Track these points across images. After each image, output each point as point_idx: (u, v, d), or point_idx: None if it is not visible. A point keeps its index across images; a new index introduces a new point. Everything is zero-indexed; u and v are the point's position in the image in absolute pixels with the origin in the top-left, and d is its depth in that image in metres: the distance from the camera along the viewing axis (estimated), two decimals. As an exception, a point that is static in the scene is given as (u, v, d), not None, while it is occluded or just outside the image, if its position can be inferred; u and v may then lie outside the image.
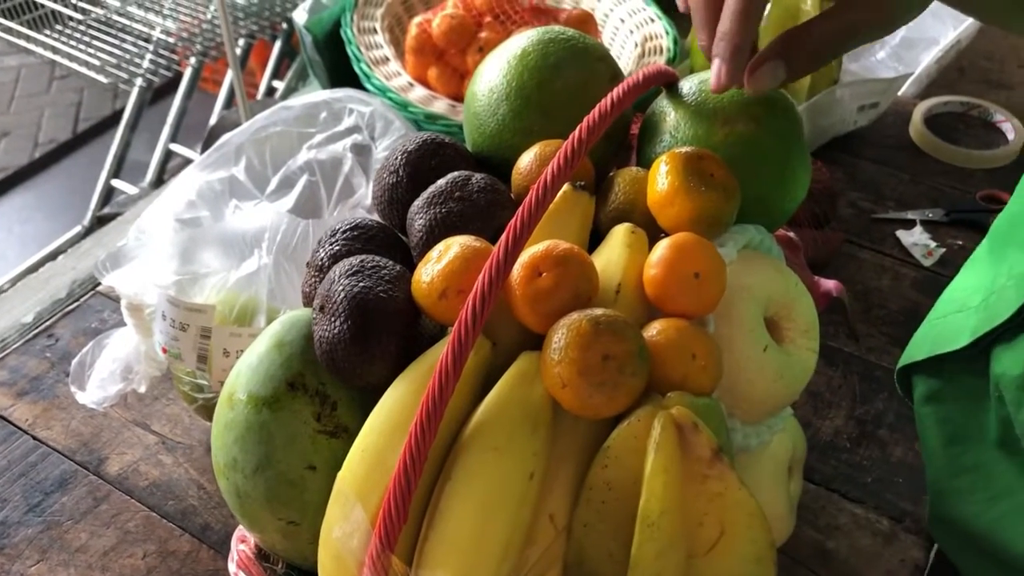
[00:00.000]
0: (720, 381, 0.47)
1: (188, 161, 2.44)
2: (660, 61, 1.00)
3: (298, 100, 0.82)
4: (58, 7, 2.00)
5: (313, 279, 0.53)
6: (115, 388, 0.75)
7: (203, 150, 2.51)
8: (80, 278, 1.00)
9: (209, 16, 2.12)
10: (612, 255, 0.49)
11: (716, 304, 0.47)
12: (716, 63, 0.48)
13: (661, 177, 0.49)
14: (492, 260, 0.44)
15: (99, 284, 0.94)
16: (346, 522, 0.45)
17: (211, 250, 0.73)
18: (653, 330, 0.46)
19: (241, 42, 2.21)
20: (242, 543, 0.56)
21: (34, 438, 0.79)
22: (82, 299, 0.93)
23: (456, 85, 1.02)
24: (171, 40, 2.06)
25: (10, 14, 2.01)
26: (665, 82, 0.56)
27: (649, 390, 0.44)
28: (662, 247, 0.47)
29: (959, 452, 0.66)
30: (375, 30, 1.08)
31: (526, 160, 0.53)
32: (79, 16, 2.02)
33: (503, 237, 0.45)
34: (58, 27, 2.06)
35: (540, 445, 0.44)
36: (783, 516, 0.56)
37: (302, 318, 0.51)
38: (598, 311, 0.44)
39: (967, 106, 1.12)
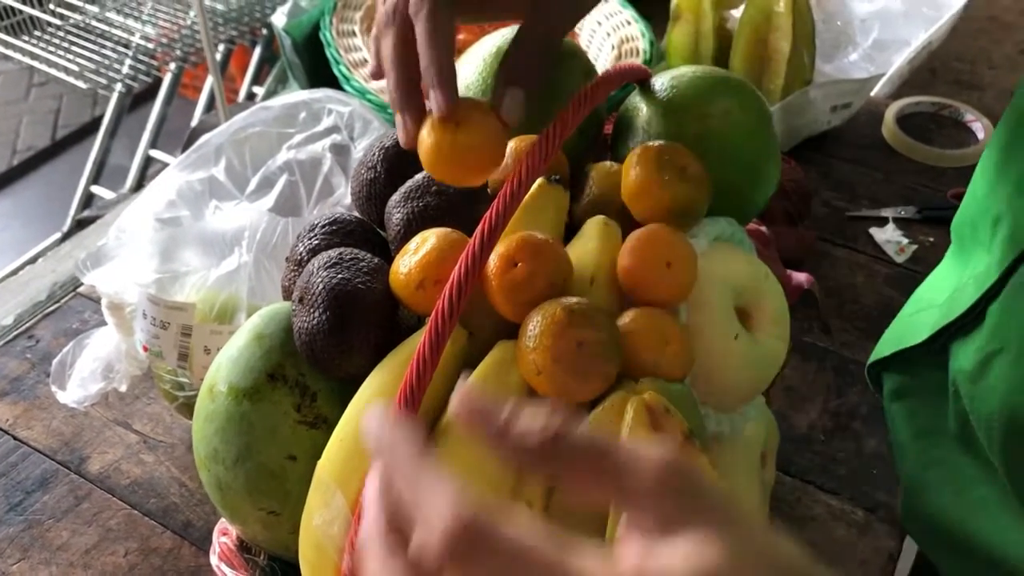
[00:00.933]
0: (692, 368, 0.48)
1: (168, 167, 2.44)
2: (637, 62, 1.02)
3: (277, 101, 0.82)
4: (36, 13, 2.00)
5: (292, 273, 0.54)
6: (96, 387, 0.76)
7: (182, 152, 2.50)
8: (60, 280, 1.00)
9: (188, 22, 2.12)
10: (586, 246, 0.50)
11: (688, 293, 0.48)
12: (397, 118, 0.49)
13: (634, 170, 0.50)
14: (468, 251, 0.45)
15: (80, 285, 0.94)
16: (326, 509, 0.46)
17: (191, 249, 0.74)
18: (626, 318, 0.47)
19: (221, 47, 2.22)
20: (224, 535, 0.56)
21: (15, 438, 0.79)
22: (62, 300, 0.93)
23: (435, 87, 1.02)
24: (151, 46, 2.06)
25: (-12, 20, 2.00)
26: (637, 79, 0.57)
27: (622, 376, 0.45)
28: (634, 238, 0.48)
29: (927, 446, 0.67)
30: (354, 32, 1.09)
31: (502, 155, 0.54)
32: (57, 22, 2.02)
33: (479, 228, 0.45)
34: (36, 33, 2.05)
35: (516, 431, 0.45)
36: (756, 504, 0.57)
37: (281, 311, 0.52)
38: (572, 299, 0.45)
39: (938, 106, 1.14)
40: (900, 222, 0.99)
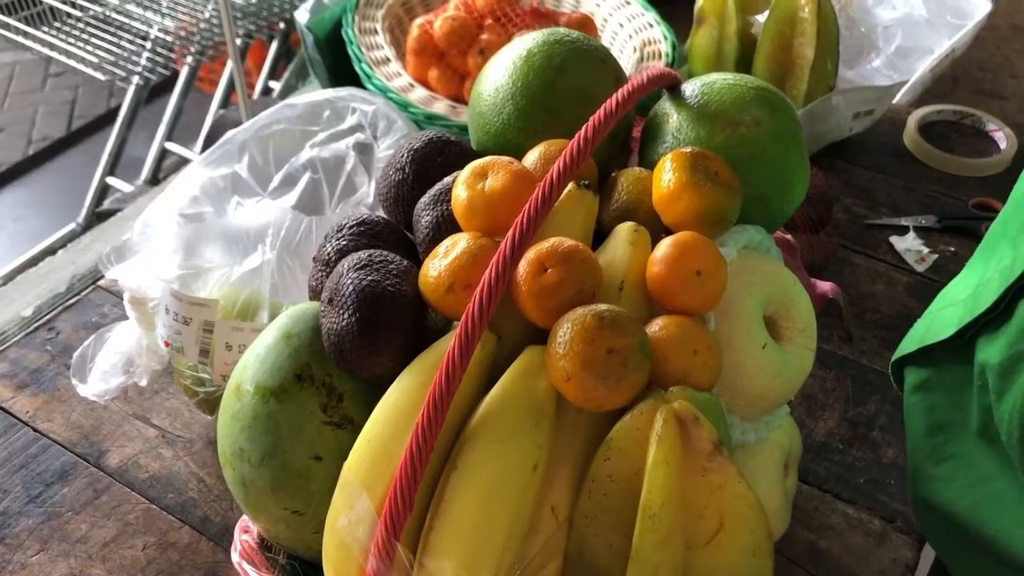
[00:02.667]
0: (720, 377, 0.48)
1: (183, 159, 2.44)
2: (666, 68, 1.02)
3: (301, 98, 0.82)
4: (56, 4, 2.01)
5: (320, 273, 0.54)
6: (116, 381, 0.76)
7: (204, 148, 2.52)
8: (80, 273, 1.00)
9: (207, 15, 2.13)
10: (616, 253, 0.50)
11: (717, 301, 0.48)
12: None
13: (667, 174, 0.50)
14: (499, 255, 0.45)
15: (100, 279, 0.94)
16: (352, 511, 0.46)
17: (214, 245, 0.74)
18: (656, 326, 0.47)
19: (239, 42, 2.22)
20: (245, 533, 0.57)
21: (34, 430, 0.80)
22: (82, 293, 0.93)
23: (456, 86, 1.03)
24: (169, 39, 2.06)
25: (8, 10, 2.01)
26: (667, 84, 0.57)
27: (651, 384, 0.45)
28: (665, 245, 0.48)
29: (943, 440, 0.67)
30: (376, 31, 1.09)
31: (531, 159, 0.54)
32: (77, 13, 2.02)
33: (509, 233, 0.45)
34: (56, 24, 2.06)
35: (543, 437, 0.45)
36: (779, 511, 0.57)
37: (309, 311, 0.52)
38: (602, 306, 0.45)
39: (960, 115, 1.13)
40: (920, 231, 0.99)
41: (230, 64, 2.33)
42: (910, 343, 0.69)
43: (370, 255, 0.49)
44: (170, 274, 0.71)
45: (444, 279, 0.47)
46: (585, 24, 1.05)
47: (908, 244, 0.96)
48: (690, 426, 0.43)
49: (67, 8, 2.02)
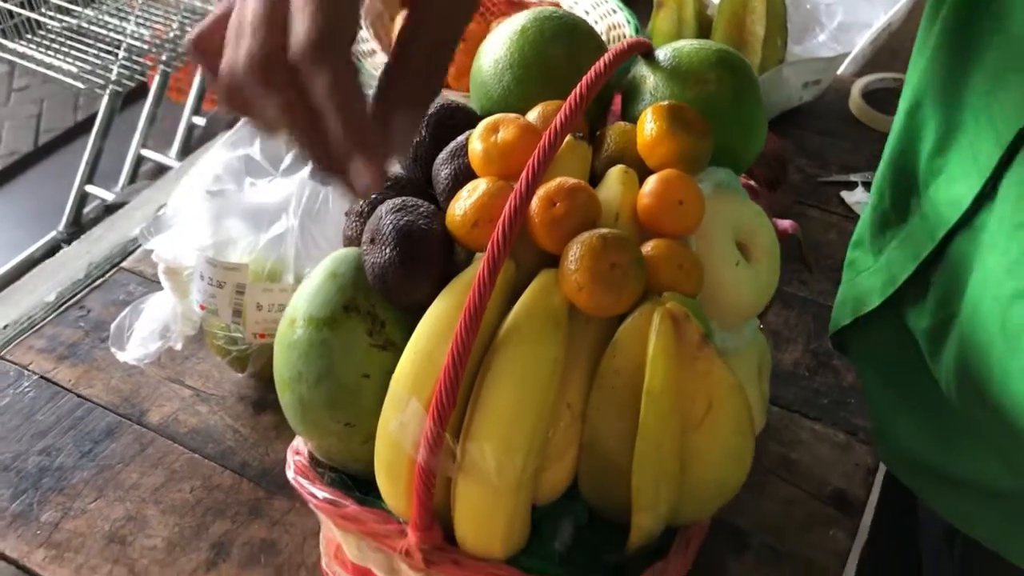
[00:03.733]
0: (701, 289, 0.57)
1: (160, 166, 2.51)
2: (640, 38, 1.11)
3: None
4: (34, 16, 2.06)
5: (354, 224, 0.63)
6: (155, 346, 0.84)
7: (180, 153, 2.57)
8: (96, 261, 1.07)
9: (177, 24, 2.19)
10: (610, 191, 0.59)
11: (696, 226, 0.58)
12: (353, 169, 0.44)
13: (649, 124, 0.60)
14: (516, 192, 0.54)
15: (123, 261, 1.02)
16: (402, 414, 0.54)
17: (241, 217, 0.82)
18: (648, 247, 0.56)
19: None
20: (297, 455, 0.65)
21: (78, 396, 0.87)
22: (107, 275, 1.01)
23: (441, 73, 1.11)
24: (144, 46, 2.12)
25: (-14, 25, 2.07)
26: (643, 51, 0.67)
27: (647, 293, 0.55)
28: (652, 180, 0.58)
29: (898, 392, 0.74)
30: (361, 26, 1.17)
31: (532, 117, 0.63)
32: (55, 25, 2.08)
33: (523, 174, 0.54)
34: (29, 36, 2.11)
35: (561, 339, 0.54)
36: (756, 412, 0.67)
37: (349, 254, 0.60)
38: (604, 230, 0.54)
39: (900, 82, 1.23)
40: (868, 185, 1.09)
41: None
42: (842, 315, 0.75)
43: (403, 200, 0.58)
44: (204, 243, 0.79)
45: (470, 216, 0.56)
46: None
47: (857, 197, 1.07)
48: (681, 322, 0.52)
49: (45, 20, 2.08)
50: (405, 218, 0.56)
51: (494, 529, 0.56)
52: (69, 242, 1.40)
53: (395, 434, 0.55)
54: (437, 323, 0.55)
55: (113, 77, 2.07)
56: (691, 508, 0.60)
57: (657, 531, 0.59)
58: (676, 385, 0.53)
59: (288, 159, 0.90)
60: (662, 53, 0.67)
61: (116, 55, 2.11)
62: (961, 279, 0.61)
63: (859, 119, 1.20)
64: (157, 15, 2.17)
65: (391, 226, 0.56)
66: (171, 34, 2.15)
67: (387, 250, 0.56)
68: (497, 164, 0.58)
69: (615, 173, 0.60)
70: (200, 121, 2.53)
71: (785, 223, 0.84)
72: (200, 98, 2.54)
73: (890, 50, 1.32)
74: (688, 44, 0.67)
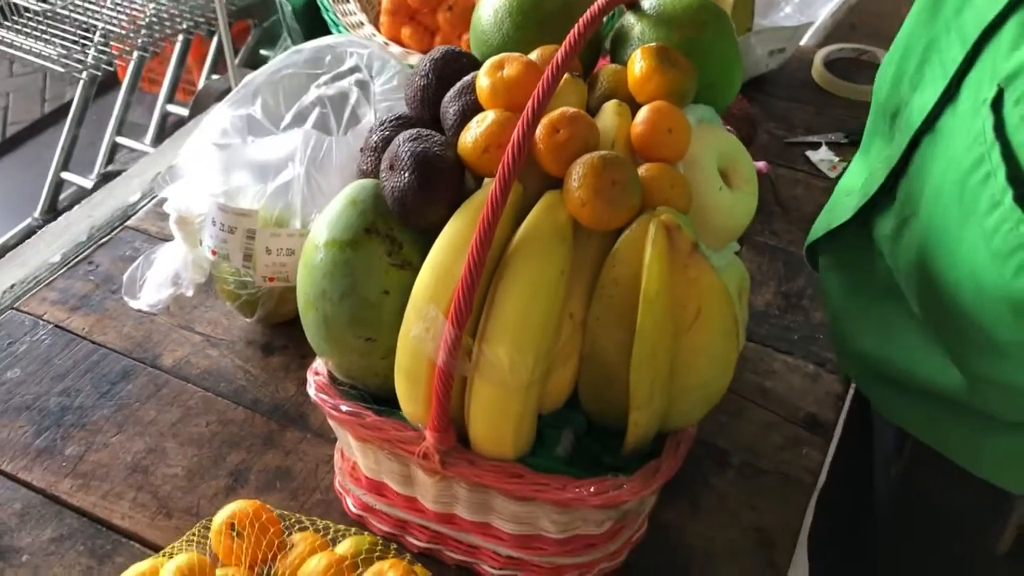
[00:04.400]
0: (690, 207, 0.63)
1: (135, 152, 2.52)
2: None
3: (308, 45, 0.96)
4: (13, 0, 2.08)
5: (368, 158, 0.68)
6: (167, 292, 0.88)
7: (155, 140, 2.59)
8: (97, 224, 1.11)
9: (151, 11, 2.21)
10: (606, 122, 0.65)
11: (684, 152, 0.64)
12: None
13: (639, 63, 0.65)
14: (523, 119, 0.59)
15: (127, 220, 1.06)
16: (423, 320, 0.60)
17: (249, 167, 0.87)
18: (642, 169, 0.62)
19: (181, 38, 2.32)
20: (316, 375, 0.70)
21: (92, 342, 0.92)
22: (112, 233, 1.05)
23: (428, 42, 1.17)
24: (120, 31, 2.14)
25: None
26: (629, 1, 0.73)
27: (643, 209, 0.61)
28: (644, 111, 0.64)
29: (857, 302, 0.82)
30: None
31: (532, 58, 0.68)
32: (36, 8, 2.10)
33: (529, 103, 0.60)
34: (6, 22, 2.13)
35: (566, 251, 0.60)
36: (738, 327, 0.73)
37: (367, 184, 0.66)
38: (604, 152, 0.60)
39: (858, 52, 1.32)
40: (831, 145, 1.16)
41: (215, 42, 2.41)
42: (818, 230, 0.84)
43: (418, 131, 0.63)
44: (216, 190, 0.84)
45: (480, 142, 0.62)
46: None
47: (822, 155, 1.14)
48: (673, 231, 0.58)
49: (24, 3, 2.09)
50: (422, 145, 0.62)
51: (506, 428, 0.62)
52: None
53: (416, 340, 0.61)
54: (453, 240, 0.61)
55: (90, 61, 2.09)
56: (681, 410, 0.66)
57: (651, 431, 0.65)
58: (670, 289, 0.59)
59: (288, 117, 0.96)
60: (647, 3, 0.73)
61: (88, 40, 2.13)
62: (923, 178, 0.68)
63: (821, 86, 1.27)
64: (134, 2, 2.20)
65: (409, 152, 0.62)
66: (146, 19, 2.17)
67: (406, 174, 0.61)
68: (503, 97, 0.64)
69: (610, 106, 0.66)
70: (174, 109, 2.55)
71: (759, 164, 0.91)
72: (174, 87, 2.56)
73: (849, 24, 1.40)
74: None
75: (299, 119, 0.96)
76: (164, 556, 0.70)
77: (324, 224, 0.65)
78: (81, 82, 2.26)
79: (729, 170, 0.68)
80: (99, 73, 2.12)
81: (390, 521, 0.74)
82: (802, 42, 1.31)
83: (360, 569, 0.68)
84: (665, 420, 0.66)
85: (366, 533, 0.73)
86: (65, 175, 2.45)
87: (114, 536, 0.75)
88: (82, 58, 2.08)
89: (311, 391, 0.69)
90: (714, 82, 0.71)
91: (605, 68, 0.70)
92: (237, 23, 2.47)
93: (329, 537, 0.72)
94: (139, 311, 0.90)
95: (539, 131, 0.61)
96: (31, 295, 0.96)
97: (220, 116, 0.91)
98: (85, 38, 2.12)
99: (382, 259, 0.63)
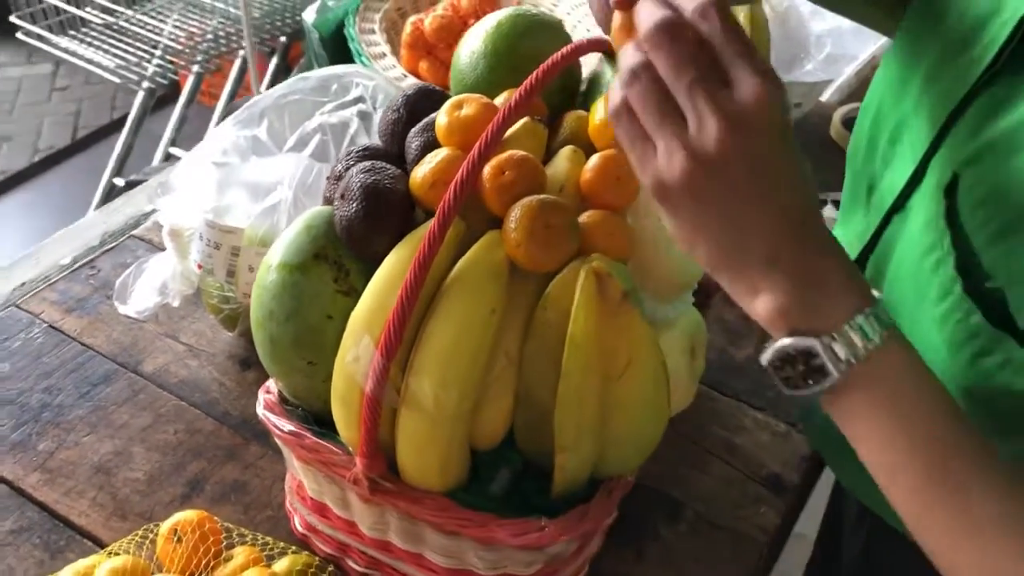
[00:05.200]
0: (636, 258, 0.64)
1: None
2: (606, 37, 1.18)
3: (314, 73, 0.99)
4: (79, 12, 2.17)
5: (332, 186, 0.70)
6: (153, 300, 0.91)
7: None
8: (111, 230, 1.15)
9: (212, 27, 2.29)
10: (558, 166, 0.66)
11: (631, 201, 0.64)
12: None
13: (599, 111, 0.66)
14: (469, 159, 0.61)
15: (135, 228, 1.10)
16: (356, 348, 0.61)
17: (242, 187, 0.89)
18: (584, 215, 0.63)
19: (241, 55, 2.39)
20: (267, 393, 0.72)
21: (82, 344, 0.95)
22: (119, 240, 1.08)
23: (443, 76, 1.19)
24: (178, 47, 2.23)
25: (32, 19, 2.18)
26: (602, 49, 0.74)
27: (581, 255, 0.61)
28: (594, 158, 0.64)
29: None
30: (374, 31, 1.25)
31: (498, 101, 0.70)
32: (98, 21, 2.19)
33: (476, 144, 0.61)
34: (73, 32, 2.23)
35: (499, 291, 0.61)
36: (686, 384, 0.73)
37: (324, 211, 0.68)
38: (544, 196, 0.61)
39: (880, 113, 1.31)
40: (836, 204, 1.15)
41: (233, 71, 2.49)
42: None
43: (373, 163, 0.65)
44: (206, 206, 0.87)
45: (428, 178, 0.63)
46: (555, 26, 1.22)
47: (826, 213, 1.13)
48: (604, 279, 0.59)
49: (89, 16, 2.19)
50: (372, 177, 0.64)
51: (431, 459, 0.62)
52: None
53: (349, 366, 0.62)
54: (392, 270, 0.62)
55: (148, 74, 2.17)
56: (615, 457, 0.66)
57: (580, 476, 0.65)
58: (597, 335, 0.59)
59: (291, 141, 0.98)
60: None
61: (152, 54, 2.21)
62: (888, 255, 0.68)
63: (838, 144, 1.26)
64: (194, 19, 2.28)
65: (359, 183, 0.63)
66: (207, 37, 2.25)
67: (353, 204, 0.63)
68: (458, 136, 0.65)
69: (565, 151, 0.67)
70: (228, 124, 2.62)
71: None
72: (230, 103, 2.64)
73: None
74: (647, 47, 0.74)
75: (301, 144, 0.98)
76: (106, 555, 0.72)
77: (279, 246, 0.67)
78: (140, 93, 2.35)
79: (684, 222, 0.69)
80: (154, 86, 2.20)
81: (332, 543, 0.75)
82: (823, 98, 1.30)
83: (289, 587, 0.69)
84: (598, 466, 0.66)
85: (305, 553, 0.74)
86: (117, 180, 2.53)
87: (68, 532, 0.78)
88: (139, 71, 2.16)
89: (259, 409, 0.71)
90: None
91: (569, 114, 0.71)
92: (295, 43, 2.55)
93: (267, 553, 0.73)
94: (129, 317, 0.93)
95: (486, 171, 0.63)
96: (33, 294, 1.00)
97: (223, 134, 0.94)
98: (144, 52, 2.21)
99: (328, 285, 0.65)
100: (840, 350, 0.50)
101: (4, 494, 0.81)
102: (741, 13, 1.16)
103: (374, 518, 0.69)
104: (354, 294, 0.65)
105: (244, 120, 0.95)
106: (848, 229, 0.79)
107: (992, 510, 0.48)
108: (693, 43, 0.49)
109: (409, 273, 0.58)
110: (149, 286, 0.92)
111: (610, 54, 0.74)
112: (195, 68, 2.31)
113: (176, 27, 2.25)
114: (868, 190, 0.75)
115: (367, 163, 0.65)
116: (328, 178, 0.72)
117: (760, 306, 0.52)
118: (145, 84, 2.19)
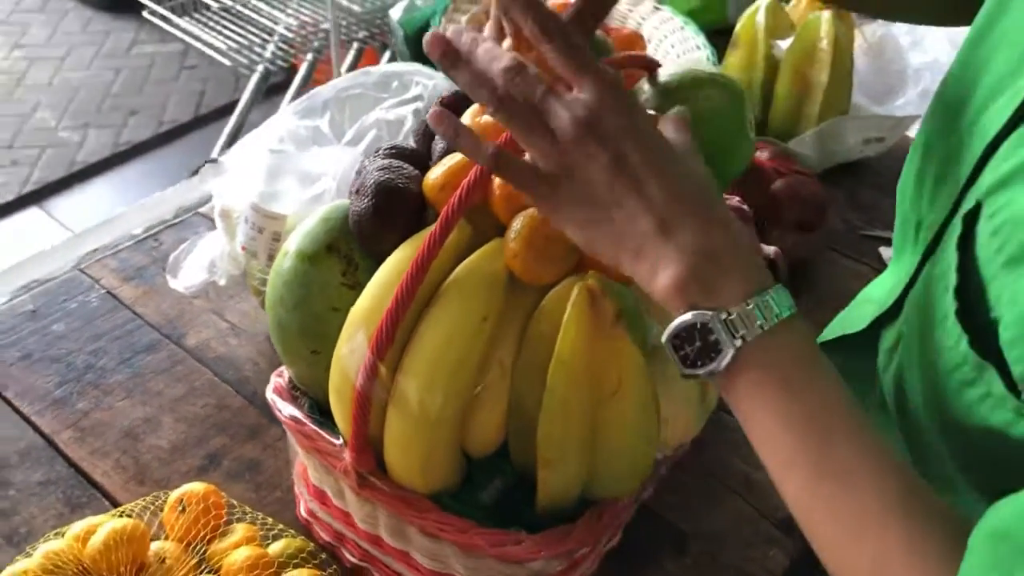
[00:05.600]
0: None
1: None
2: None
3: (377, 69, 1.00)
4: (197, -6, 2.27)
5: (355, 182, 0.71)
6: (201, 278, 0.94)
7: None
8: (185, 205, 1.19)
9: (325, 20, 2.35)
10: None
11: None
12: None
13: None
14: (479, 165, 0.61)
15: (202, 206, 1.14)
16: (351, 342, 0.62)
17: (293, 175, 0.92)
18: (591, 232, 0.62)
19: (355, 46, 2.45)
20: (278, 377, 0.73)
21: (133, 312, 0.99)
22: (184, 217, 1.12)
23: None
24: (291, 35, 2.29)
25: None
26: (649, 67, 0.72)
27: (579, 271, 0.60)
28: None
29: None
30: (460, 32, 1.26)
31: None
32: (215, 5, 2.28)
33: (490, 151, 0.61)
34: (195, 14, 2.32)
35: (494, 300, 0.60)
36: (694, 411, 0.71)
37: (344, 205, 0.69)
38: (548, 208, 0.60)
39: (971, 153, 1.24)
40: (905, 244, 1.10)
41: (387, 55, 2.54)
42: (830, 332, 0.81)
43: (391, 162, 0.66)
44: (254, 191, 0.89)
45: (440, 180, 0.63)
46: (633, 40, 1.21)
47: (885, 254, 1.08)
48: (598, 298, 0.58)
49: (207, 0, 2.28)
50: (386, 175, 0.64)
51: (414, 460, 0.63)
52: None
53: (344, 359, 0.63)
54: (394, 269, 0.63)
55: (263, 58, 2.24)
56: (605, 480, 0.64)
57: (567, 494, 0.64)
58: (586, 353, 0.58)
59: (349, 134, 1.00)
60: (663, 72, 0.72)
61: (266, 39, 2.28)
62: (921, 299, 0.65)
63: (921, 182, 1.21)
64: (307, 8, 2.35)
65: (372, 181, 0.64)
66: (322, 25, 2.31)
67: (365, 200, 0.64)
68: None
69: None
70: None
71: (769, 249, 0.88)
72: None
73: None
74: (691, 68, 0.72)
75: (358, 137, 1.00)
76: (116, 515, 0.75)
77: (296, 235, 0.68)
78: (254, 76, 2.43)
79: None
80: (271, 69, 2.27)
81: (330, 532, 0.76)
82: (911, 132, 1.25)
83: (276, 570, 0.70)
84: (589, 488, 0.65)
85: (300, 538, 0.75)
86: (218, 158, 2.62)
87: (90, 491, 0.81)
88: (250, 55, 2.24)
89: (268, 392, 0.72)
90: (713, 152, 0.70)
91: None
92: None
93: (266, 534, 0.75)
94: (179, 291, 0.96)
95: (497, 180, 0.62)
96: (98, 260, 1.05)
97: (282, 122, 0.96)
98: (257, 36, 2.28)
99: (336, 277, 0.66)
100: (736, 326, 0.50)
101: (40, 447, 0.85)
102: (825, 39, 1.13)
103: (366, 511, 0.70)
104: (359, 288, 0.66)
105: (303, 110, 0.97)
106: (899, 268, 0.76)
107: (878, 504, 0.48)
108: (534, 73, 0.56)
109: (407, 273, 0.59)
110: (199, 263, 0.95)
111: (653, 74, 0.73)
112: (308, 56, 2.37)
113: (292, 15, 2.32)
114: (916, 228, 0.72)
115: (385, 161, 0.66)
116: (357, 172, 0.73)
117: (659, 283, 0.53)
118: (260, 67, 2.27)
